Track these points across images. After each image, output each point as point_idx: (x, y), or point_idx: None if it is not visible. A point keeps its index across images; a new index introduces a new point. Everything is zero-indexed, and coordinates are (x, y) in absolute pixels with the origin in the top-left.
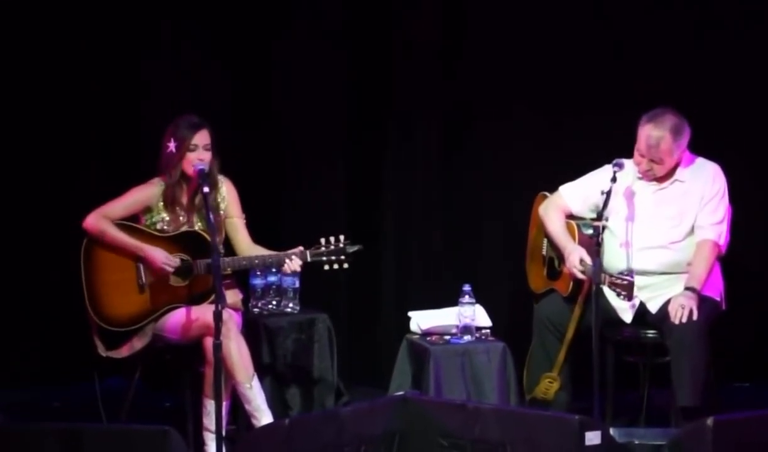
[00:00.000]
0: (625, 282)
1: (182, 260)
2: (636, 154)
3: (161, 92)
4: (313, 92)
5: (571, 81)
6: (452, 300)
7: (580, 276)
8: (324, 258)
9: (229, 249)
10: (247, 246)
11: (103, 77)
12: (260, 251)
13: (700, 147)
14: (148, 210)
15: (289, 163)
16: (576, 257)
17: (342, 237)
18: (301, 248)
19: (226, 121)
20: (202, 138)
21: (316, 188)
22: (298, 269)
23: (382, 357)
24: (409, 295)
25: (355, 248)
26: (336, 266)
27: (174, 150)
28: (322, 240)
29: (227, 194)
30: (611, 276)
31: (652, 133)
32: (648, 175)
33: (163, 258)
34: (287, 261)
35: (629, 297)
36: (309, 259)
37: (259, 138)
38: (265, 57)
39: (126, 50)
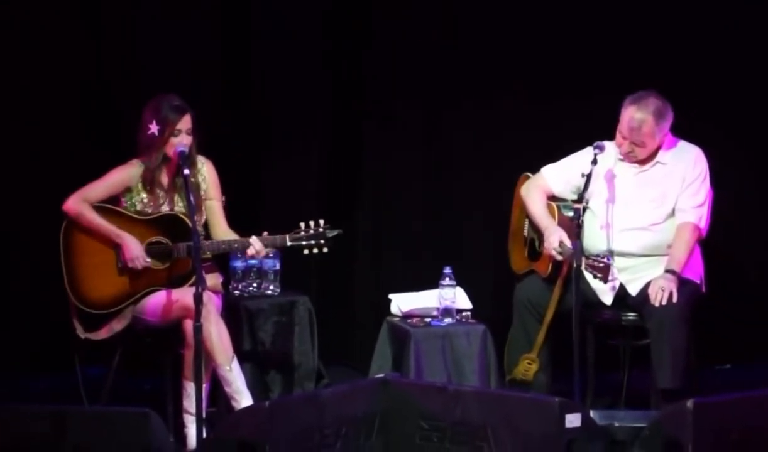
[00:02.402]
0: (601, 264)
1: (161, 244)
2: (618, 135)
3: (141, 73)
4: (291, 72)
5: (554, 61)
6: (431, 283)
7: (558, 257)
8: (304, 243)
9: (206, 231)
10: (222, 230)
11: (82, 56)
12: (235, 236)
13: (682, 130)
14: (127, 191)
15: (265, 145)
16: (555, 238)
17: (322, 222)
18: (265, 232)
19: (205, 104)
20: (185, 123)
21: (292, 170)
22: (261, 253)
23: (359, 338)
24: (388, 277)
25: (335, 232)
26: (316, 250)
27: (157, 133)
28: (302, 225)
29: (208, 175)
30: (588, 258)
31: (634, 115)
32: (629, 157)
33: (136, 252)
34: (251, 242)
35: (605, 279)
36: (288, 244)
37: (234, 120)
38: (245, 40)
39: (106, 33)
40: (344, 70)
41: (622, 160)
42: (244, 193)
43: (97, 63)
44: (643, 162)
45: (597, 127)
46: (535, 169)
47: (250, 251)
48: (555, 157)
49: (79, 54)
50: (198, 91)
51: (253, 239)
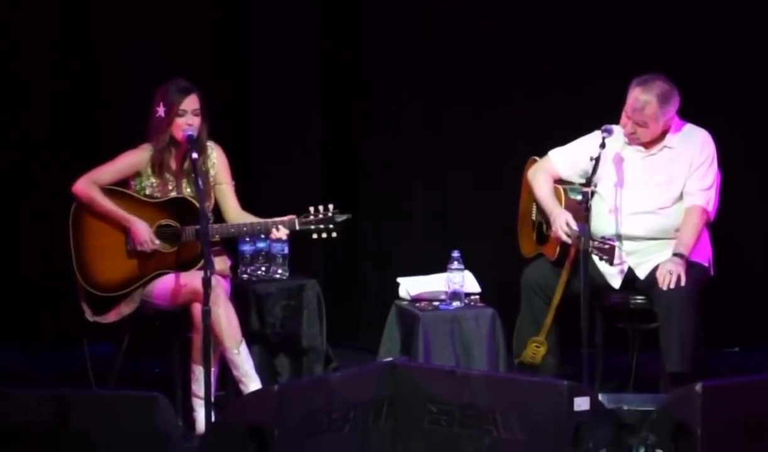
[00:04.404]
0: (606, 246)
1: (170, 227)
2: (623, 115)
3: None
4: (286, 54)
5: (562, 45)
6: (440, 266)
7: (566, 239)
8: (312, 227)
9: (218, 215)
10: (236, 213)
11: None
12: (249, 218)
13: (689, 113)
14: (137, 175)
15: (263, 129)
16: (562, 220)
17: (331, 206)
18: (290, 216)
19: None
20: (191, 103)
21: (291, 154)
22: (285, 237)
23: (368, 322)
24: (396, 261)
25: (344, 217)
26: (324, 235)
27: (163, 115)
28: (311, 209)
29: (217, 160)
30: (594, 240)
31: (639, 96)
32: (632, 138)
33: (146, 236)
34: (274, 229)
35: (611, 261)
36: (297, 228)
37: (232, 103)
38: (242, 20)
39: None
40: (341, 53)
41: (629, 144)
42: (239, 177)
43: (88, 54)
44: (650, 146)
45: (601, 116)
46: (542, 153)
47: (280, 234)
48: (565, 139)
49: (71, 48)
50: (192, 73)
51: (281, 228)
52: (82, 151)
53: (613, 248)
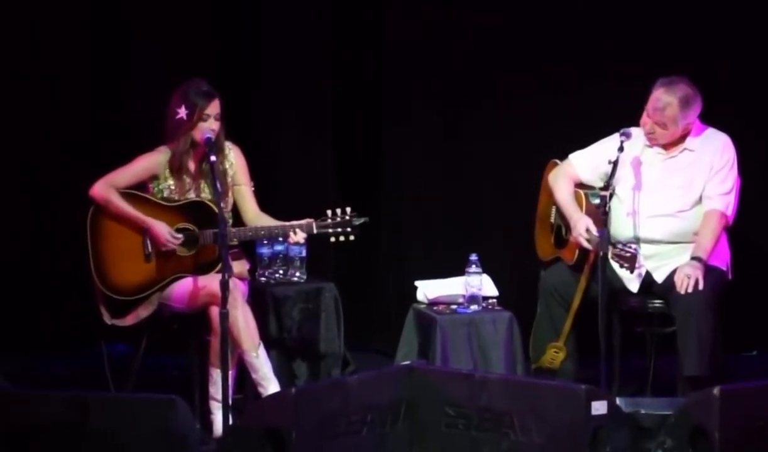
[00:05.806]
0: (628, 254)
1: (188, 230)
2: (644, 114)
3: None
4: (300, 54)
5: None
6: (458, 270)
7: (586, 245)
8: (330, 230)
9: (236, 216)
10: (254, 214)
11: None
12: (267, 220)
13: (710, 118)
14: (154, 177)
15: (275, 132)
16: (582, 226)
17: (348, 210)
18: (308, 220)
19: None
20: (214, 108)
21: (305, 157)
22: (302, 241)
23: (385, 325)
24: (414, 264)
25: (362, 220)
26: (342, 238)
27: (185, 117)
28: (329, 212)
29: (235, 160)
30: (615, 247)
31: (661, 97)
32: (651, 138)
33: (166, 234)
34: (291, 233)
35: (632, 269)
36: (315, 231)
37: (246, 107)
38: (254, 22)
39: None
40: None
41: (649, 147)
42: (257, 187)
43: (102, 58)
44: (670, 148)
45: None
46: (562, 156)
47: (297, 237)
48: (584, 142)
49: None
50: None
51: (299, 232)
52: (89, 152)
53: (634, 257)
